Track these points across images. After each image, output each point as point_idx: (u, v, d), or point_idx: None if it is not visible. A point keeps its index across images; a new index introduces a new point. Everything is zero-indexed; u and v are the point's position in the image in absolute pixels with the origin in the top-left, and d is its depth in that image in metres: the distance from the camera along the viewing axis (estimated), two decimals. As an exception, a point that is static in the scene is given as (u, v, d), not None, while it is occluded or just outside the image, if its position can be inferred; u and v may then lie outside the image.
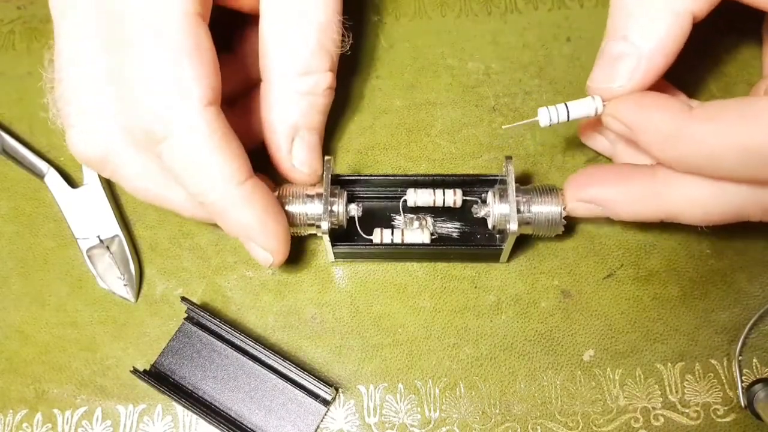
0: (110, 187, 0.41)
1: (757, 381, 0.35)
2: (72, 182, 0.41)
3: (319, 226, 0.36)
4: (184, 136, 0.31)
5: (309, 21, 0.35)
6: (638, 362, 0.36)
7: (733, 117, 0.29)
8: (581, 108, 0.34)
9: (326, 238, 0.35)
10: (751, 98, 0.30)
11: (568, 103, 0.34)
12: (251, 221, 0.33)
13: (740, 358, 0.36)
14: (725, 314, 0.37)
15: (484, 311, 0.38)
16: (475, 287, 0.38)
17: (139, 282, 0.39)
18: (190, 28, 0.30)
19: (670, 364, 0.36)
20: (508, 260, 0.38)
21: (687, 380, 0.36)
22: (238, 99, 0.39)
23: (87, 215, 0.39)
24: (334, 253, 0.37)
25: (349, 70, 0.44)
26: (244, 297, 0.38)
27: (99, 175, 0.40)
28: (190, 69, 0.30)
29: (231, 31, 0.39)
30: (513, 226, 0.34)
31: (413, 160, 0.42)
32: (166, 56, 0.30)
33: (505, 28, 0.46)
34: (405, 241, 0.37)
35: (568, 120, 0.34)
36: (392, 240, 0.37)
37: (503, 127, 0.38)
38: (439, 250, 0.38)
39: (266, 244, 0.34)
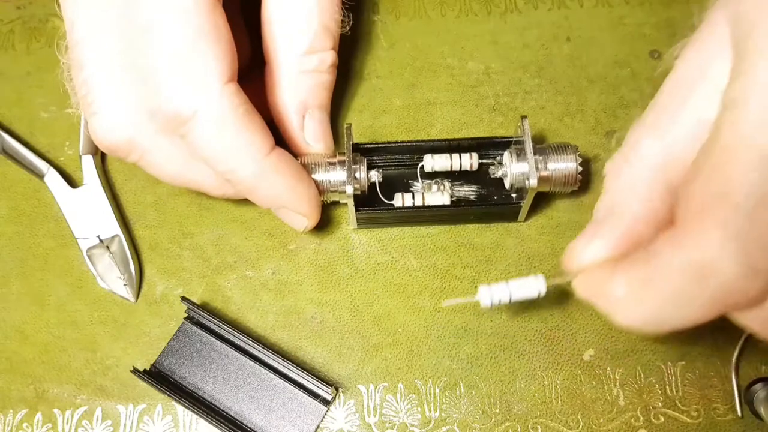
0: (110, 187, 0.41)
1: (757, 380, 0.35)
2: (72, 182, 0.41)
3: (343, 192, 0.36)
4: (207, 115, 0.31)
5: (311, 2, 0.37)
6: (638, 362, 0.36)
7: (640, 275, 0.25)
8: (524, 290, 0.30)
9: (350, 202, 0.36)
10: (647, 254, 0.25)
11: (510, 282, 0.30)
12: (283, 189, 0.34)
13: (739, 358, 0.36)
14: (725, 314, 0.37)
15: (484, 311, 0.37)
16: (475, 287, 0.38)
17: (139, 282, 0.39)
18: (206, 8, 0.31)
19: (670, 363, 0.36)
20: (526, 219, 0.39)
21: (687, 379, 0.36)
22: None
23: (87, 215, 0.39)
24: (357, 218, 0.38)
25: (350, 70, 0.44)
26: (244, 297, 0.38)
27: (99, 175, 0.40)
28: (208, 49, 0.31)
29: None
30: (533, 182, 0.35)
31: (413, 159, 0.42)
32: (185, 38, 0.30)
33: (505, 28, 0.46)
34: (426, 204, 0.38)
35: (510, 302, 0.30)
36: (413, 203, 0.38)
37: (443, 303, 0.37)
38: (460, 210, 0.39)
39: (300, 208, 0.35)
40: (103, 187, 0.40)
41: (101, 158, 0.42)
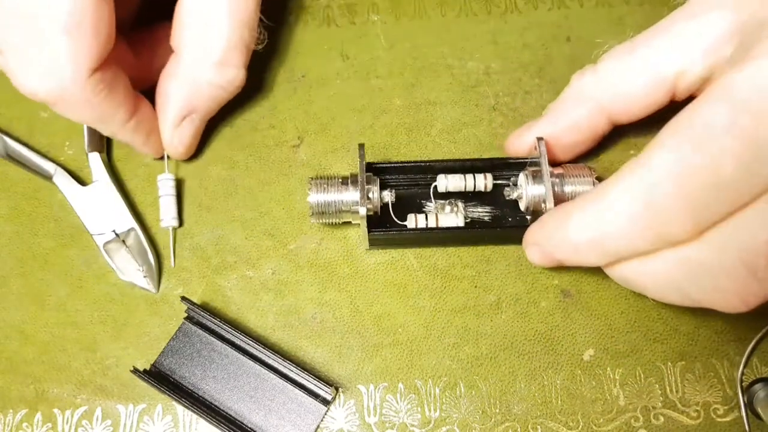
0: (119, 183, 0.41)
1: (757, 381, 0.35)
2: (80, 180, 0.41)
3: (355, 212, 0.36)
4: (67, 100, 0.34)
5: (232, 15, 0.37)
6: (638, 362, 0.36)
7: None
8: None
9: (363, 223, 0.36)
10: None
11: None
12: (136, 142, 0.39)
13: (744, 372, 0.36)
14: (725, 314, 0.37)
15: (484, 311, 0.38)
16: (475, 287, 0.38)
17: (159, 272, 0.39)
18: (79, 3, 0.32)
19: (670, 363, 0.36)
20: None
21: (687, 379, 0.36)
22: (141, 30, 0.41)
23: (100, 212, 0.40)
24: (369, 239, 0.37)
25: (349, 70, 0.44)
26: (244, 297, 0.38)
27: (108, 172, 0.40)
28: (83, 42, 0.32)
29: None
30: (550, 205, 0.34)
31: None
32: (54, 29, 0.31)
33: (505, 28, 0.46)
34: (439, 225, 0.37)
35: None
36: (426, 224, 0.37)
37: None
38: (474, 233, 0.38)
39: (146, 151, 0.40)
40: (113, 182, 0.40)
41: (107, 155, 0.42)
